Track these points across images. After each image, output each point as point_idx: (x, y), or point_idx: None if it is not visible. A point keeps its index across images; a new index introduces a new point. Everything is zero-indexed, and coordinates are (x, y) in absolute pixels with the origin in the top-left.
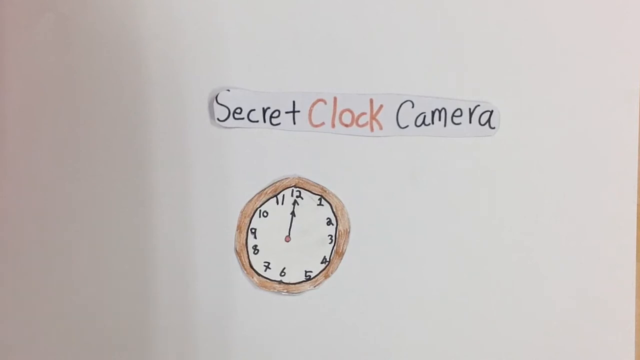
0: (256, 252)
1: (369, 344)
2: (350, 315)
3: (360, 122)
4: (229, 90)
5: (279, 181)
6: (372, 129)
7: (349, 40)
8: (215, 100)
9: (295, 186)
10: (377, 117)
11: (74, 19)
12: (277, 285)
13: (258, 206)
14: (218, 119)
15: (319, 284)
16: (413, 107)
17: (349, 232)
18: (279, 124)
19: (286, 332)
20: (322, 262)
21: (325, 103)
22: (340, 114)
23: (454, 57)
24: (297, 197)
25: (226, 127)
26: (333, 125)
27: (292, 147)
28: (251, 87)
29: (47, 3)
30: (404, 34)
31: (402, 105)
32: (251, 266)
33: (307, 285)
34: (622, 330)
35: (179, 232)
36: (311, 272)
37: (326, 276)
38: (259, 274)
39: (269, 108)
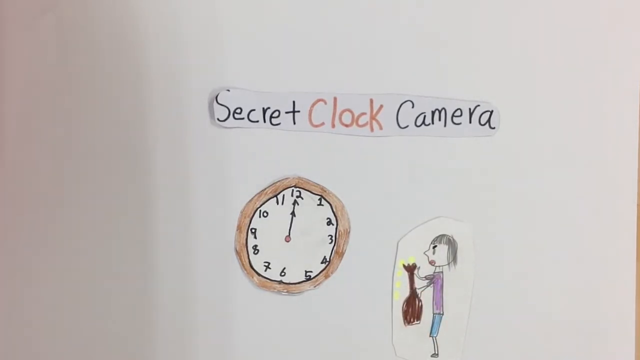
0: (256, 252)
1: (369, 344)
2: (350, 315)
3: (360, 122)
4: (229, 90)
5: (279, 181)
6: (372, 129)
7: (349, 40)
8: (215, 100)
9: (295, 186)
10: (377, 117)
11: (74, 19)
12: (277, 285)
13: (258, 206)
14: (218, 119)
15: (319, 284)
16: (413, 107)
17: (349, 232)
18: (279, 124)
19: (286, 332)
20: (322, 262)
21: (325, 103)
22: (340, 114)
23: (454, 57)
24: (297, 197)
25: (226, 127)
26: (333, 125)
27: (292, 147)
28: (251, 87)
29: (47, 3)
30: (404, 34)
31: (402, 105)
32: (251, 266)
33: (307, 285)
34: (622, 330)
35: (179, 232)
36: (311, 272)
37: (326, 276)
38: (259, 274)
39: (269, 108)
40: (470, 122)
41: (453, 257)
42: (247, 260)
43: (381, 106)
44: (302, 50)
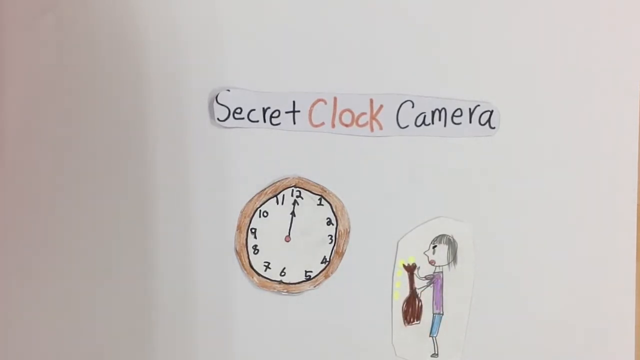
0: (256, 252)
1: (369, 344)
2: (350, 315)
3: (360, 122)
4: (229, 90)
5: (279, 181)
6: (372, 129)
7: (349, 40)
8: (215, 100)
9: (295, 186)
10: (377, 117)
11: (74, 19)
12: (277, 285)
13: (258, 206)
14: (218, 119)
15: (319, 284)
16: (413, 107)
17: (349, 232)
18: (279, 124)
19: (286, 332)
20: (322, 262)
21: (325, 103)
22: (340, 114)
23: (454, 57)
24: (297, 197)
25: (226, 127)
26: (333, 125)
27: (292, 147)
28: (251, 87)
29: (47, 3)
30: (404, 34)
31: (402, 105)
32: (251, 266)
33: (307, 285)
34: (622, 330)
35: (179, 232)
36: (311, 272)
37: (326, 276)
38: (259, 274)
39: (269, 108)
40: (470, 122)
41: (453, 257)
42: (247, 260)
43: (381, 106)
44: (302, 50)
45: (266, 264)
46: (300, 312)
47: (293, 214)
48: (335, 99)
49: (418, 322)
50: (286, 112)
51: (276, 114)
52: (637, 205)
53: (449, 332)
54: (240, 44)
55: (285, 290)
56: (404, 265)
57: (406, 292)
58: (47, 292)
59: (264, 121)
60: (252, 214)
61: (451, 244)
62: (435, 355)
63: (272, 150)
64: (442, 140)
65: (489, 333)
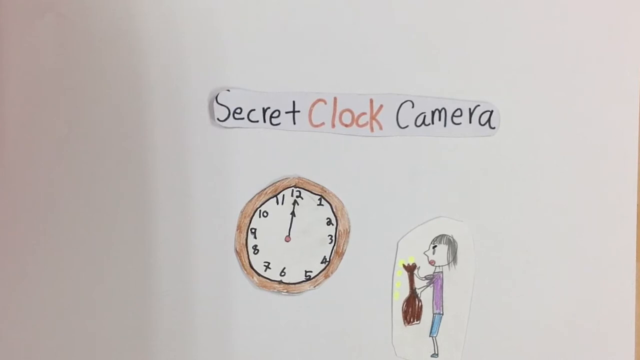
0: (256, 252)
1: (369, 344)
2: (350, 315)
3: (360, 122)
4: (229, 90)
5: (279, 181)
6: (372, 129)
7: (349, 40)
8: (215, 100)
9: (295, 186)
10: (377, 117)
11: (73, 19)
12: (277, 285)
13: (258, 206)
14: (218, 119)
15: (319, 284)
16: (413, 107)
17: (349, 232)
18: (279, 124)
19: (286, 332)
20: (322, 262)
21: (325, 103)
22: (340, 114)
23: (454, 57)
24: (297, 197)
25: (226, 127)
26: (333, 125)
27: (292, 147)
28: (251, 87)
29: (47, 3)
30: (404, 34)
31: (402, 105)
32: (251, 266)
33: (307, 285)
34: (622, 330)
35: (179, 232)
36: (311, 272)
37: (326, 276)
38: (259, 274)
39: (269, 108)
40: (470, 122)
41: (453, 257)
42: (247, 260)
43: (381, 106)
44: (302, 50)
45: (266, 264)
46: (300, 312)
47: (293, 214)
48: (335, 99)
49: (418, 322)
50: (286, 112)
51: (276, 114)
52: (637, 205)
53: (449, 332)
54: (240, 44)
55: (285, 290)
56: (404, 265)
57: (406, 292)
58: (47, 291)
59: (264, 121)
60: (252, 214)
61: (451, 244)
62: (435, 355)
63: (272, 150)
64: (442, 140)
65: (489, 333)
